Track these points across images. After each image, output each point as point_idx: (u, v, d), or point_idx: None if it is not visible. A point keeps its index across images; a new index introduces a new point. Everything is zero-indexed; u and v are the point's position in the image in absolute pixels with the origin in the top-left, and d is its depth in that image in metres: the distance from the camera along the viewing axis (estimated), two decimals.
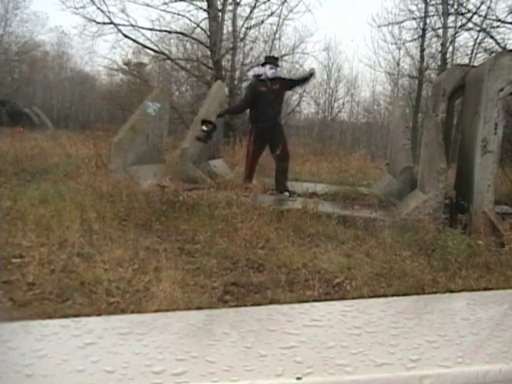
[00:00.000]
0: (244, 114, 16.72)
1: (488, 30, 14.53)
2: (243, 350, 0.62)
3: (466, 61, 15.02)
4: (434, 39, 16.17)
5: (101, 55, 38.57)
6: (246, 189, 5.48)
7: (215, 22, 14.84)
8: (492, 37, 14.50)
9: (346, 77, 24.35)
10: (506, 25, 14.27)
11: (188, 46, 17.43)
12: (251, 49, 16.89)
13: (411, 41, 16.83)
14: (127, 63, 18.09)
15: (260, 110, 6.53)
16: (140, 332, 0.67)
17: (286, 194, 6.40)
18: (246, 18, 15.82)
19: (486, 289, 3.15)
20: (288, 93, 19.70)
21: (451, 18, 15.38)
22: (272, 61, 6.90)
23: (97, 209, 4.41)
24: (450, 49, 15.83)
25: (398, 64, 18.26)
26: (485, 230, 4.77)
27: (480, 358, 0.63)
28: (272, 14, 15.96)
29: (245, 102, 7.14)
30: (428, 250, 4.26)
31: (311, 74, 6.94)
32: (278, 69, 6.89)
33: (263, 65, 6.77)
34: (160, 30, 15.95)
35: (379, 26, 17.01)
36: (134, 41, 15.58)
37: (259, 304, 2.91)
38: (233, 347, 0.63)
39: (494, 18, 14.27)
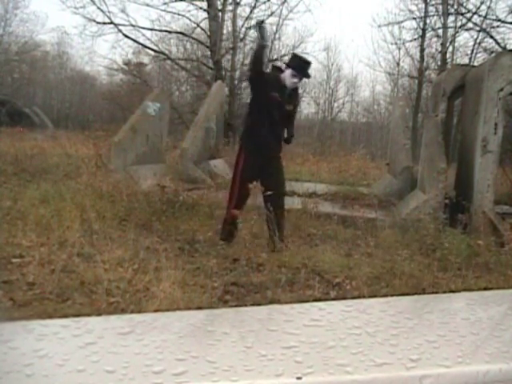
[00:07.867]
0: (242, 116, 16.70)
1: (488, 30, 14.54)
2: (243, 350, 0.62)
3: (465, 61, 15.04)
4: (434, 39, 16.21)
5: (101, 55, 38.65)
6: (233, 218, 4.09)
7: (215, 21, 14.85)
8: (492, 37, 14.51)
9: (346, 77, 24.50)
10: (506, 25, 14.29)
11: (188, 46, 17.46)
12: (251, 49, 16.88)
13: (411, 41, 16.86)
14: (127, 63, 18.13)
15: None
16: (140, 332, 0.67)
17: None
18: (246, 18, 15.85)
19: (486, 289, 3.15)
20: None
21: (451, 18, 15.41)
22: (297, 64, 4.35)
23: (97, 209, 4.41)
24: (450, 49, 15.86)
25: (398, 64, 18.29)
26: (485, 229, 4.77)
27: (480, 358, 0.63)
28: (272, 13, 16.01)
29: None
30: (428, 250, 4.26)
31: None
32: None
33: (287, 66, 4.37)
34: (160, 30, 15.99)
35: (379, 26, 17.06)
36: (134, 41, 15.61)
37: (259, 304, 2.91)
38: (233, 347, 0.63)
39: (494, 17, 14.29)
